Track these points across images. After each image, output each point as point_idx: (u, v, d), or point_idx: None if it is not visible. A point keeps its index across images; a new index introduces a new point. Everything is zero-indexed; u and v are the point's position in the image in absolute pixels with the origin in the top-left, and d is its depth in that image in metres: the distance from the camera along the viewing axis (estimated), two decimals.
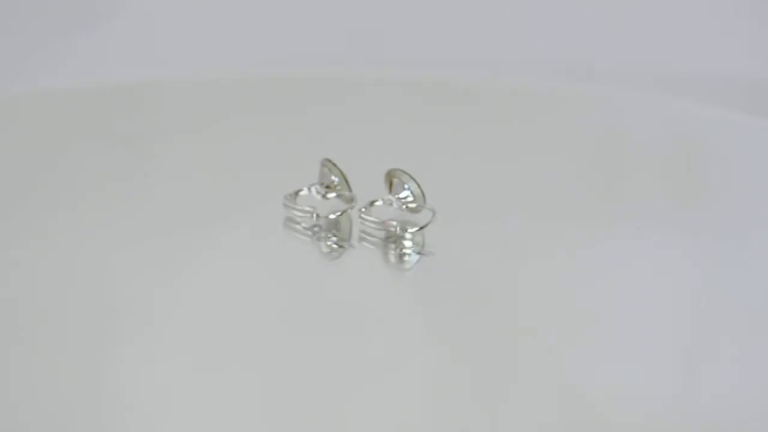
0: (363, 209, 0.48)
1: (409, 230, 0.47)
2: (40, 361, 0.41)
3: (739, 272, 0.48)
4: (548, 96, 0.66)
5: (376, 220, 0.47)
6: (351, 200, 0.48)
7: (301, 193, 0.49)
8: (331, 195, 0.49)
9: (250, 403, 0.39)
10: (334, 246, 0.47)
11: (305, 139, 0.58)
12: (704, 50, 0.73)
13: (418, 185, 0.47)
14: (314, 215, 0.48)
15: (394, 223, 0.47)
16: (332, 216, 0.48)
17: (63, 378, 0.40)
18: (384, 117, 0.61)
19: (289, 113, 0.62)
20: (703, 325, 0.44)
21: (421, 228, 0.47)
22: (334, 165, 0.48)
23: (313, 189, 0.49)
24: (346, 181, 0.48)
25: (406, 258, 0.47)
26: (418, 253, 0.46)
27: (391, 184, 0.47)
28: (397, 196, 0.47)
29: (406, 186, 0.47)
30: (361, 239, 0.47)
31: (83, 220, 0.49)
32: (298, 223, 0.48)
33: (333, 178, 0.49)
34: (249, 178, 0.53)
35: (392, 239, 0.47)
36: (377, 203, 0.48)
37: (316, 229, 0.48)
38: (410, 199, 0.47)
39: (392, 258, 0.47)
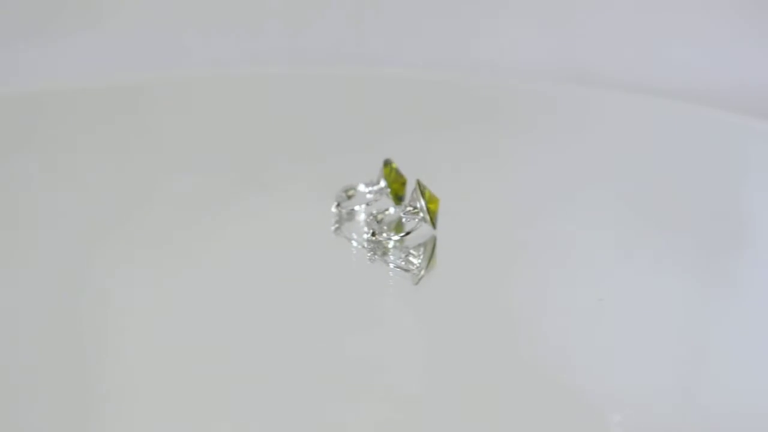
0: (372, 213, 0.48)
1: (394, 237, 0.47)
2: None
3: (740, 271, 0.48)
4: (548, 96, 0.66)
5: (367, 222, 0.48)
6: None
7: (359, 188, 0.49)
8: (371, 196, 0.49)
9: (243, 400, 0.39)
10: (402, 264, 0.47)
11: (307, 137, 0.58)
12: (704, 51, 0.73)
13: (425, 199, 0.47)
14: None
15: (366, 228, 0.47)
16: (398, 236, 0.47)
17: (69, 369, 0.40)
18: (388, 116, 0.61)
19: (289, 112, 0.62)
20: (706, 326, 0.44)
21: (404, 235, 0.47)
22: (423, 190, 0.47)
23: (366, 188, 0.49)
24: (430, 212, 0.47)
25: (391, 269, 0.46)
26: (398, 267, 0.46)
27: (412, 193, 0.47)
28: (409, 207, 0.47)
29: (418, 198, 0.47)
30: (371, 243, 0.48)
31: (99, 219, 0.50)
32: (339, 221, 0.49)
33: (382, 182, 0.49)
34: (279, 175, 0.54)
35: (384, 245, 0.47)
36: (388, 211, 0.48)
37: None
38: (417, 210, 0.47)
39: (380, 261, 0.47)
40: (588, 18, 0.75)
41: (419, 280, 0.45)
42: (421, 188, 0.46)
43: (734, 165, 0.57)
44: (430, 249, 0.47)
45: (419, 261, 0.46)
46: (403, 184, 0.49)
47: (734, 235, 0.50)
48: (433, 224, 0.47)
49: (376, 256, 0.46)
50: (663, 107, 0.64)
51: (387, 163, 0.49)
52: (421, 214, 0.47)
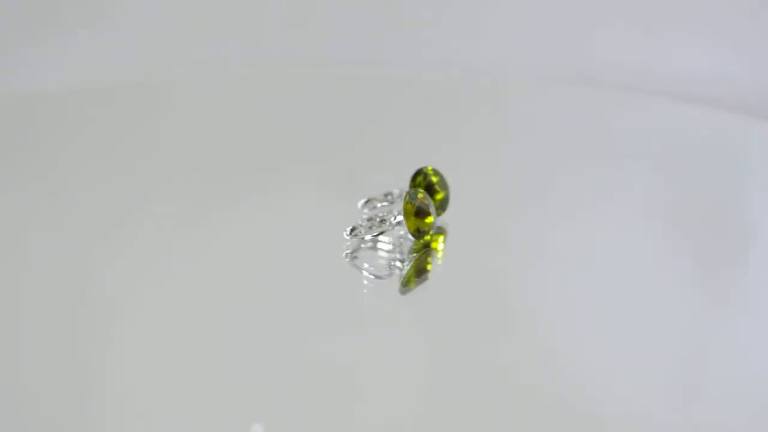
0: (379, 216, 0.47)
1: (367, 237, 0.46)
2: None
3: (740, 270, 0.48)
4: (548, 96, 0.66)
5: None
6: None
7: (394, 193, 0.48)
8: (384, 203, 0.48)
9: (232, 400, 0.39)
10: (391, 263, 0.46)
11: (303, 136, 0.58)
12: (703, 51, 0.73)
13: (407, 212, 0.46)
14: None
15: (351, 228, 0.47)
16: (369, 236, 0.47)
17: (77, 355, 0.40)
18: (388, 116, 0.61)
19: (289, 111, 0.62)
20: (707, 324, 0.44)
21: (376, 235, 0.46)
22: (411, 201, 0.46)
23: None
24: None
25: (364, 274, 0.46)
26: (370, 272, 0.46)
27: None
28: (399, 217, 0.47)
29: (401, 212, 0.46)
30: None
31: (100, 219, 0.49)
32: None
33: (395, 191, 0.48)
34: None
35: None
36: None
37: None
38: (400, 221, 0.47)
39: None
40: (587, 18, 0.75)
41: (404, 289, 0.45)
42: (409, 199, 0.46)
43: (734, 165, 0.57)
44: (415, 259, 0.46)
45: (402, 269, 0.46)
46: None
47: (734, 235, 0.50)
48: (415, 237, 0.46)
49: (353, 255, 0.46)
50: (663, 107, 0.64)
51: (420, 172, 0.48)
52: (395, 221, 0.46)
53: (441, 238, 0.47)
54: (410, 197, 0.46)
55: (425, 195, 0.46)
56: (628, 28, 0.75)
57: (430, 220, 0.46)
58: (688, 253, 0.49)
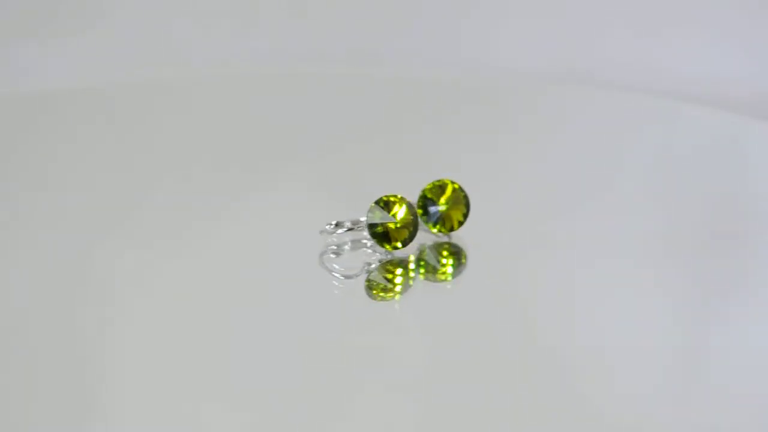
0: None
1: (338, 231, 0.46)
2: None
3: (739, 271, 0.48)
4: (548, 96, 0.66)
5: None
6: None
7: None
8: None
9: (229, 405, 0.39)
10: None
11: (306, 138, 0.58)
12: (702, 51, 0.73)
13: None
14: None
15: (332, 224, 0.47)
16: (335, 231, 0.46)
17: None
18: (388, 116, 0.61)
19: (289, 112, 0.62)
20: (709, 324, 0.44)
21: (346, 230, 0.46)
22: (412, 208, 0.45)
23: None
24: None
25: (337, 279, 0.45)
26: (340, 273, 0.45)
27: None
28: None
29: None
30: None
31: (99, 219, 0.50)
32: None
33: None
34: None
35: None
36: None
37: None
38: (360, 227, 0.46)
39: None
40: (587, 17, 0.75)
41: (368, 292, 0.45)
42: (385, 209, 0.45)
43: (734, 165, 0.57)
44: (383, 266, 0.46)
45: (371, 275, 0.45)
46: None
47: (734, 235, 0.50)
48: (381, 245, 0.45)
49: (331, 253, 0.46)
50: (663, 107, 0.64)
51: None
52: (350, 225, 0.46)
53: (438, 250, 0.47)
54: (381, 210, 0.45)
55: (409, 207, 0.45)
56: (629, 28, 0.75)
57: (400, 230, 0.45)
58: (689, 253, 0.49)
